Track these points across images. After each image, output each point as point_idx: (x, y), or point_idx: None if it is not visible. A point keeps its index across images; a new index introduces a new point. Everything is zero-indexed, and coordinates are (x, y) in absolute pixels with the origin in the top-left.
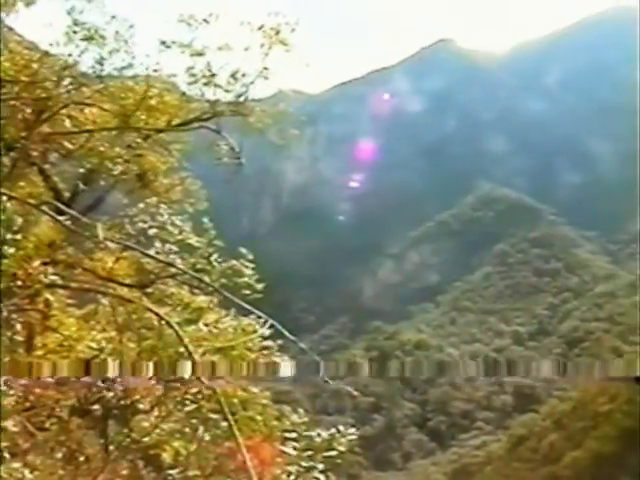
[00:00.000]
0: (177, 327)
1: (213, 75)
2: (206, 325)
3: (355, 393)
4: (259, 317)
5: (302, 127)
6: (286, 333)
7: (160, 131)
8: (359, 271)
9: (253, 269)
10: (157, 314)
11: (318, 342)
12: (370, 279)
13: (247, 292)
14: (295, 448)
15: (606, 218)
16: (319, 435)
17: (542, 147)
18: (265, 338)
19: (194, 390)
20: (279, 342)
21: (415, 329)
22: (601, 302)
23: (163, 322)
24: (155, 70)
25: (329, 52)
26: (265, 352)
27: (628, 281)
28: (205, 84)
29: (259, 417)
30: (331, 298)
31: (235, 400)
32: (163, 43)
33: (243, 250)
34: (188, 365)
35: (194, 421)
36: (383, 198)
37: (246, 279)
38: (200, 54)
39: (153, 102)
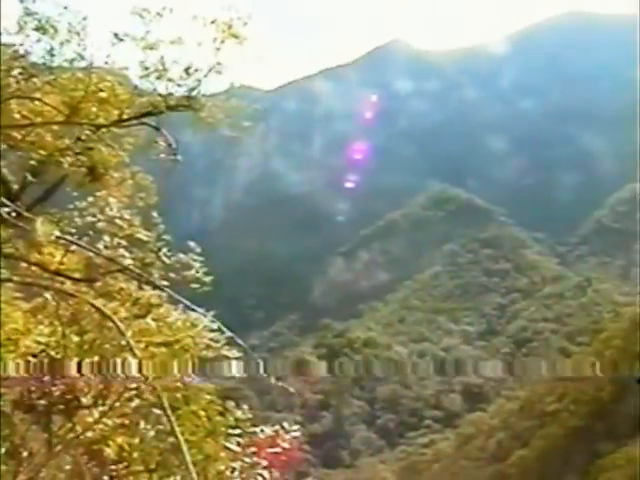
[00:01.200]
0: (118, 321)
1: (165, 69)
2: (154, 320)
3: (292, 390)
4: (207, 311)
5: (254, 123)
6: (225, 330)
7: (102, 126)
8: (310, 268)
9: (202, 263)
10: (98, 308)
11: (268, 339)
12: (320, 277)
13: (195, 286)
14: (239, 444)
15: (556, 220)
16: (262, 431)
17: (495, 149)
18: (213, 331)
19: (137, 385)
20: (227, 335)
21: (364, 327)
22: (549, 303)
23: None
24: (107, 63)
25: (284, 49)
26: (213, 345)
27: (576, 283)
28: (157, 78)
29: (202, 412)
30: (281, 295)
31: (178, 395)
32: (116, 36)
33: (191, 244)
34: (133, 360)
35: (138, 416)
36: (333, 196)
37: (194, 273)
38: (153, 48)
39: (104, 95)
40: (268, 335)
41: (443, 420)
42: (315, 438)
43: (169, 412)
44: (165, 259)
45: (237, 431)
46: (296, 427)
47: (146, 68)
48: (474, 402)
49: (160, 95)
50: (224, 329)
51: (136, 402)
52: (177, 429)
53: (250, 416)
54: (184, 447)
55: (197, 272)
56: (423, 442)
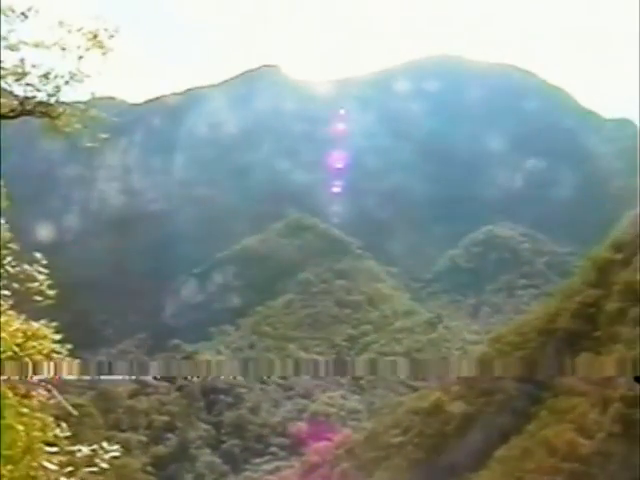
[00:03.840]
0: None
1: (25, 72)
2: None
3: (75, 412)
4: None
5: (116, 136)
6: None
7: None
8: (163, 287)
9: (47, 275)
10: None
11: (115, 356)
12: (173, 296)
13: (39, 298)
14: (57, 462)
15: (410, 256)
16: (80, 450)
17: (355, 182)
18: (56, 342)
19: None
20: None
21: (214, 350)
22: (400, 337)
23: None
24: None
25: (153, 64)
26: (55, 356)
27: (427, 318)
28: (16, 80)
29: (20, 427)
30: (133, 312)
31: None
32: None
33: (38, 255)
34: None
35: None
36: (191, 216)
37: (38, 285)
38: (14, 49)
39: None
40: (116, 352)
41: (289, 447)
42: (159, 460)
43: None
44: (9, 268)
45: (54, 449)
46: (115, 447)
47: (5, 69)
48: (320, 431)
49: (17, 99)
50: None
51: None
52: None
53: (69, 434)
54: None
55: (41, 285)
56: (268, 469)
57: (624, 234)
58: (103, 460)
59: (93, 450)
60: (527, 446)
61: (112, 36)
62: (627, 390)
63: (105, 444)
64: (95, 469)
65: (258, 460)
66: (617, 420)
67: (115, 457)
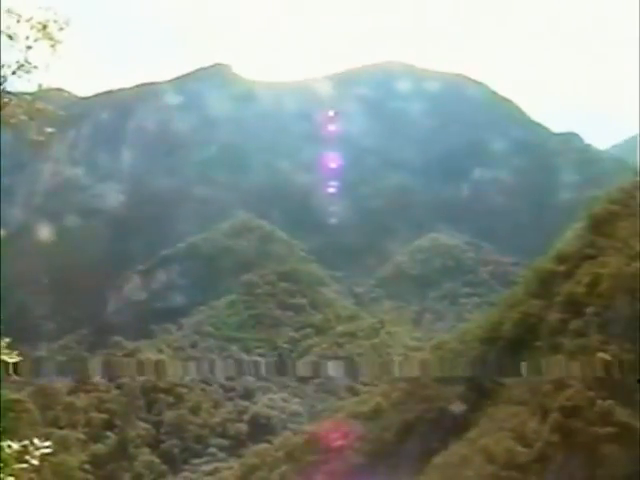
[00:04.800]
0: None
1: None
2: None
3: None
4: None
5: (64, 129)
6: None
7: None
8: (105, 283)
9: None
10: None
11: (56, 352)
12: (116, 293)
13: None
14: None
15: (356, 261)
16: (10, 447)
17: (296, 185)
18: None
19: None
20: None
21: (155, 349)
22: (342, 341)
23: None
24: None
25: (104, 58)
26: None
27: (370, 324)
28: None
29: None
30: (75, 308)
31: None
32: None
33: None
34: None
35: None
36: (136, 212)
37: None
38: None
39: None
40: (57, 348)
41: (228, 449)
42: (97, 458)
43: None
44: None
45: None
46: (46, 443)
47: None
48: (261, 433)
49: None
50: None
51: None
52: None
53: None
54: None
55: None
56: (207, 470)
57: (568, 246)
58: (34, 457)
59: (24, 446)
60: (466, 453)
61: (62, 28)
62: (566, 400)
63: (36, 440)
64: (25, 466)
65: (197, 461)
66: (555, 429)
67: (47, 454)
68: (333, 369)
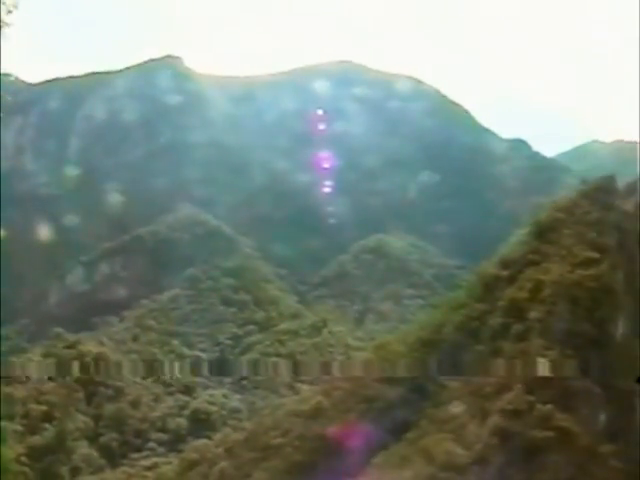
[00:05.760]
0: None
1: None
2: None
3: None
4: None
5: (11, 115)
6: None
7: None
8: (48, 274)
9: None
10: None
11: None
12: (58, 284)
13: None
14: None
15: (299, 259)
16: None
17: (245, 180)
18: None
19: None
20: None
21: (96, 341)
22: (284, 339)
23: None
24: None
25: (54, 44)
26: None
27: (312, 322)
28: None
29: None
30: (16, 298)
31: None
32: None
33: None
34: None
35: None
36: (82, 203)
37: None
38: None
39: None
40: None
41: (168, 444)
42: (35, 451)
43: None
44: None
45: None
46: None
47: None
48: (200, 429)
49: None
50: None
51: None
52: None
53: None
54: None
55: None
56: (146, 464)
57: (512, 252)
58: None
59: None
60: (406, 454)
61: (10, 11)
62: (506, 404)
63: None
64: None
65: (136, 455)
66: (495, 432)
67: None
68: (275, 368)
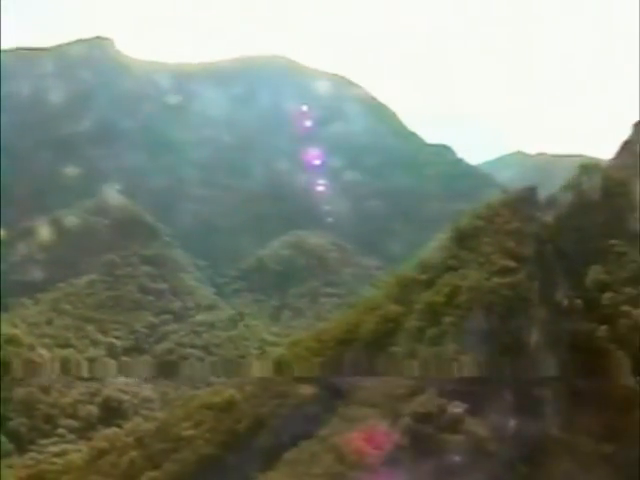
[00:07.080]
0: None
1: None
2: None
3: None
4: None
5: None
6: None
7: None
8: None
9: None
10: None
11: None
12: None
13: None
14: None
15: (220, 251)
16: None
17: (174, 167)
18: None
19: None
20: None
21: (10, 323)
22: (200, 330)
23: None
24: None
25: None
26: None
27: (229, 315)
28: None
29: None
30: None
31: None
32: None
33: None
34: None
35: None
36: (19, 186)
37: None
38: None
39: None
40: None
41: (78, 431)
42: None
43: None
44: None
45: None
46: None
47: None
48: (111, 417)
49: None
50: None
51: None
52: None
53: None
54: None
55: None
56: (54, 451)
57: (431, 256)
58: None
59: None
60: (316, 451)
61: None
62: (418, 406)
63: None
64: None
65: (45, 441)
66: (406, 433)
67: None
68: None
